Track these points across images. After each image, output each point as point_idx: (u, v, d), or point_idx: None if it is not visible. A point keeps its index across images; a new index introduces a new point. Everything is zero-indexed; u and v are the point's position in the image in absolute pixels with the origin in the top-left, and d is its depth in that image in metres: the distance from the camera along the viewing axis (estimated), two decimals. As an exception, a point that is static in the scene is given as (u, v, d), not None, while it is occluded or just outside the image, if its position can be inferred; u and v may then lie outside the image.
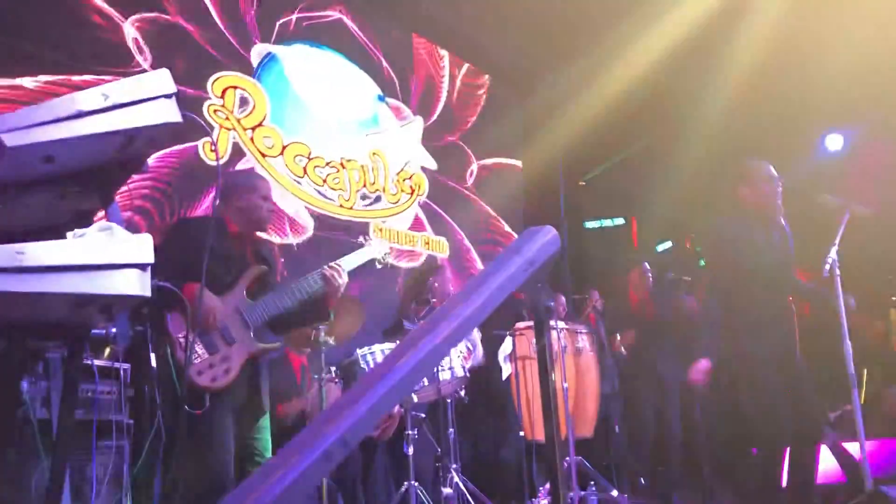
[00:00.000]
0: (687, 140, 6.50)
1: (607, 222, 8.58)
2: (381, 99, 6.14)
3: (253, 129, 5.08)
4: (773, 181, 3.60)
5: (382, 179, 5.96)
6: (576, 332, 4.65)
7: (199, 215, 4.45)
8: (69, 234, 1.30)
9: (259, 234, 3.18)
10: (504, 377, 5.01)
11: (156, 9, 4.67)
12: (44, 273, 1.19)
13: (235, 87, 5.03)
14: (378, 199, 5.90)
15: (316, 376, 3.67)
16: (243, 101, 5.05)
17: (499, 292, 1.26)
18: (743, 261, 3.50)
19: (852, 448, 4.47)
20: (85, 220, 1.39)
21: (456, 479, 3.94)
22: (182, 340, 2.68)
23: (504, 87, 7.46)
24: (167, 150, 4.48)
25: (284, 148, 5.25)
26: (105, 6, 4.41)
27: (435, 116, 6.67)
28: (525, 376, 4.38)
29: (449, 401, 4.16)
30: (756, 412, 3.42)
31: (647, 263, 5.67)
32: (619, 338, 5.50)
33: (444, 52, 6.86)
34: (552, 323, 4.08)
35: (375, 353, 3.95)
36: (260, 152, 5.09)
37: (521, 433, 4.47)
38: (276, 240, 5.01)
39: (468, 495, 3.92)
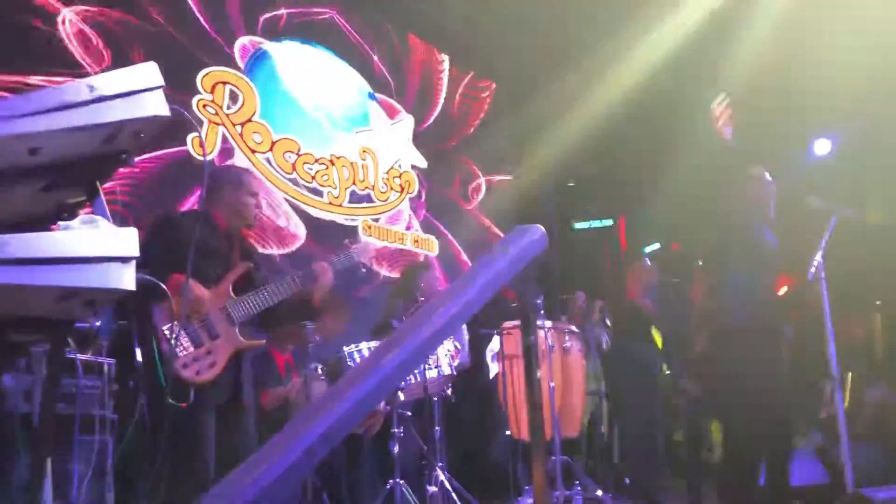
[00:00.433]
0: (677, 144, 6.54)
1: (596, 223, 8.61)
2: (371, 97, 6.13)
3: (242, 124, 5.05)
4: (768, 186, 3.74)
5: (372, 177, 5.95)
6: (563, 332, 4.65)
7: (185, 210, 4.43)
8: (54, 227, 1.29)
9: (246, 231, 3.17)
10: (491, 376, 5.01)
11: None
12: (28, 265, 1.17)
13: (225, 83, 5.00)
14: (368, 196, 5.89)
15: (302, 372, 3.66)
16: (233, 97, 5.03)
17: (486, 290, 1.26)
18: (746, 245, 3.57)
19: (836, 450, 4.50)
20: (70, 213, 1.37)
21: (441, 477, 3.93)
22: (167, 333, 2.67)
23: (501, 94, 7.47)
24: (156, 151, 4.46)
25: (274, 144, 5.23)
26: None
27: (431, 120, 6.67)
28: (512, 375, 4.37)
29: (435, 399, 4.15)
30: (738, 412, 3.47)
31: (647, 259, 5.73)
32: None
33: (443, 57, 6.87)
34: (539, 322, 4.09)
35: (363, 350, 3.94)
36: (249, 148, 5.06)
37: (508, 432, 4.47)
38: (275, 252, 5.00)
39: (453, 493, 3.92)
